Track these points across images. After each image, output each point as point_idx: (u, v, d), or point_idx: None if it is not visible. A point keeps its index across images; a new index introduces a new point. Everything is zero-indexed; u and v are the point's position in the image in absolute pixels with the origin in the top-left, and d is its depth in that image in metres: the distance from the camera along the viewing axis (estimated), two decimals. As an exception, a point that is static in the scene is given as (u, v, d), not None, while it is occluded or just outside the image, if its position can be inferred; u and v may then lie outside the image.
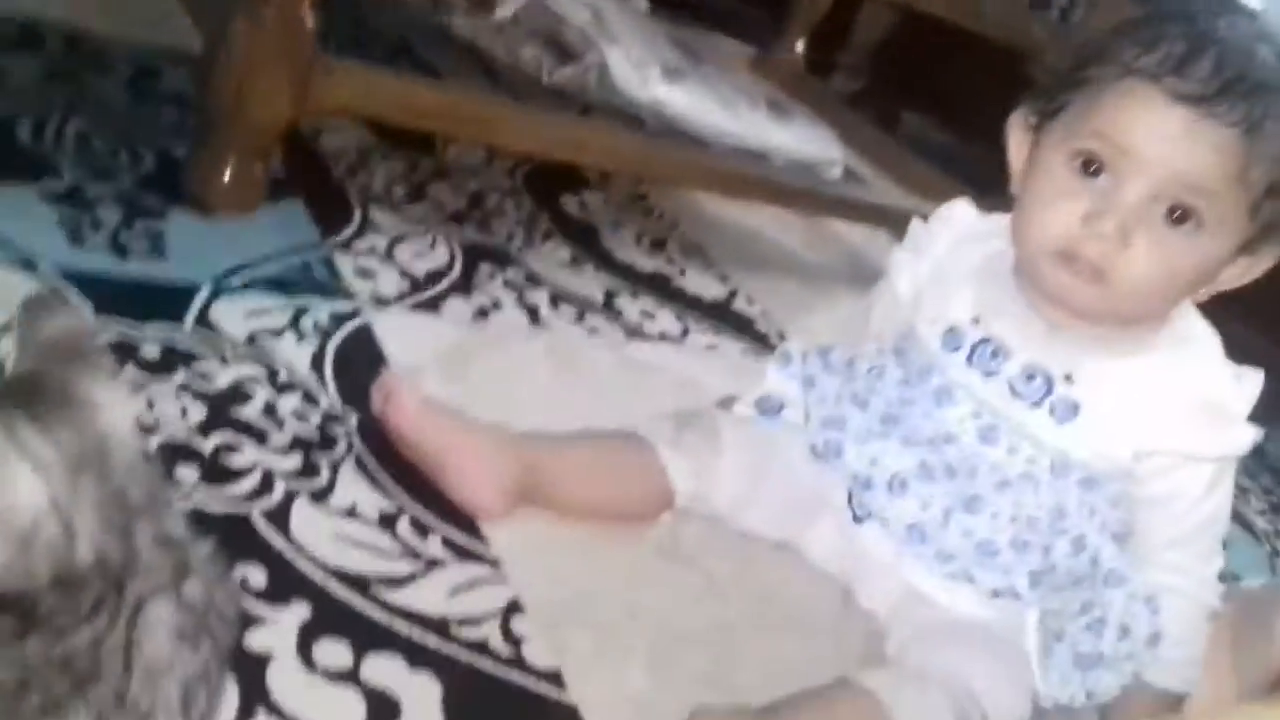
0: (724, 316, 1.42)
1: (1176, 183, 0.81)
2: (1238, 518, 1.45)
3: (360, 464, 0.89)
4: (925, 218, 1.02)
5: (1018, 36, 1.71)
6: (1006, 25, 1.74)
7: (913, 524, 0.93)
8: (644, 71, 1.47)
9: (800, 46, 2.15)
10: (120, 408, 0.52)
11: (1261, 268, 0.87)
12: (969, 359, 0.92)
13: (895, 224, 1.75)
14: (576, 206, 1.53)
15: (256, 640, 0.70)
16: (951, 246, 0.99)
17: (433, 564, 0.83)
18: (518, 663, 0.78)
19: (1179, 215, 0.82)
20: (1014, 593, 0.90)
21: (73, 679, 0.48)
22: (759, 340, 1.40)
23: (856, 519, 0.97)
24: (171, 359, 0.91)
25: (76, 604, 0.49)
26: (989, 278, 0.93)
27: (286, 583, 0.76)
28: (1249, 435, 0.85)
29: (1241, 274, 0.86)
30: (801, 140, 1.58)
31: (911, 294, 1.00)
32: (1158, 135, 0.81)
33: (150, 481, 0.53)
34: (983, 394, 0.92)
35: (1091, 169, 0.84)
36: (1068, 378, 0.89)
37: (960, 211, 1.01)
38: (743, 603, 0.95)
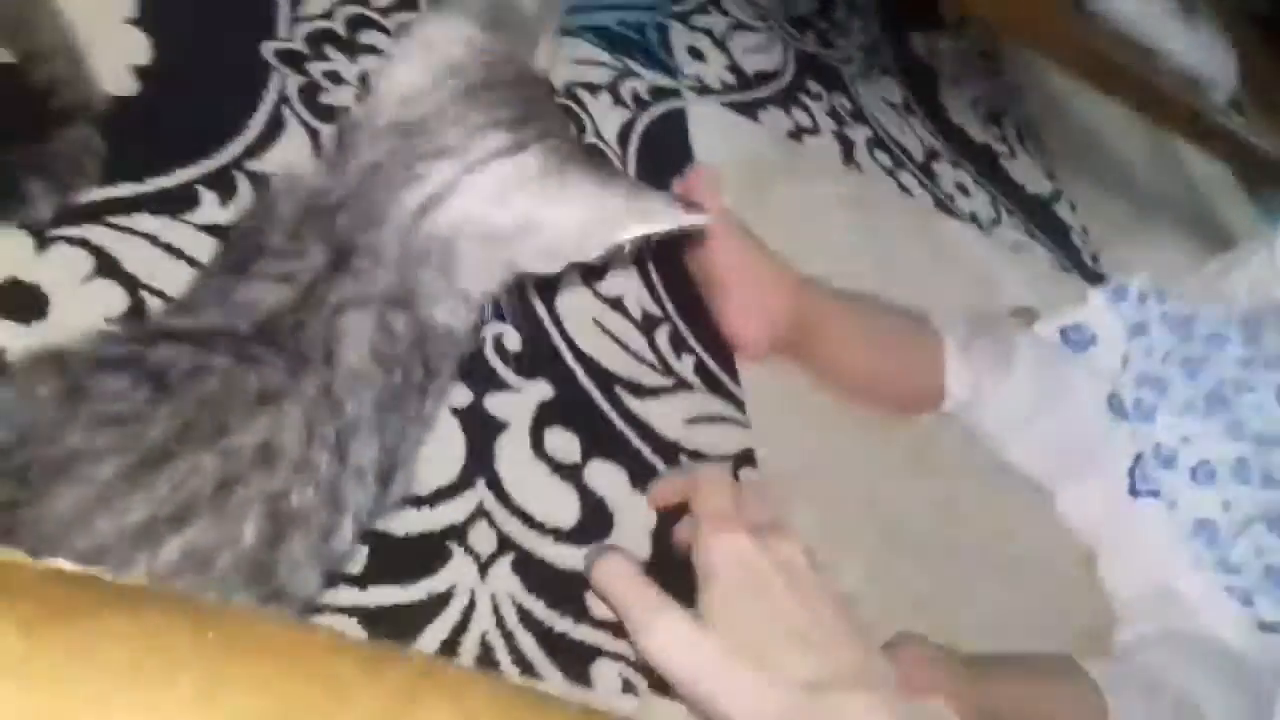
0: (1042, 217, 1.28)
1: None
2: None
3: (638, 257, 0.83)
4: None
5: None
6: None
7: (1205, 520, 0.82)
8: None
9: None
10: None
11: None
12: None
13: (1260, 174, 1.54)
14: (923, 46, 1.39)
15: (496, 405, 0.67)
16: None
17: (680, 385, 0.78)
18: (737, 517, 0.73)
19: None
20: (1291, 636, 0.79)
21: (283, 355, 0.44)
22: (1072, 254, 1.26)
23: (1134, 491, 0.86)
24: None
25: (300, 248, 0.47)
26: None
27: (538, 355, 0.72)
28: None
29: None
30: (1198, 50, 1.37)
31: None
32: None
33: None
34: None
35: None
36: None
37: None
38: (979, 533, 0.87)
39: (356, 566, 0.56)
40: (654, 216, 0.51)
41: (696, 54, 1.06)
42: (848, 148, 1.12)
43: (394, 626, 0.55)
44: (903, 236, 1.08)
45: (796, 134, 1.08)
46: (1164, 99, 1.38)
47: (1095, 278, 1.26)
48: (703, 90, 1.03)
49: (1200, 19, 1.41)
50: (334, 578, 0.52)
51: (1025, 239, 1.22)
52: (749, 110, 1.06)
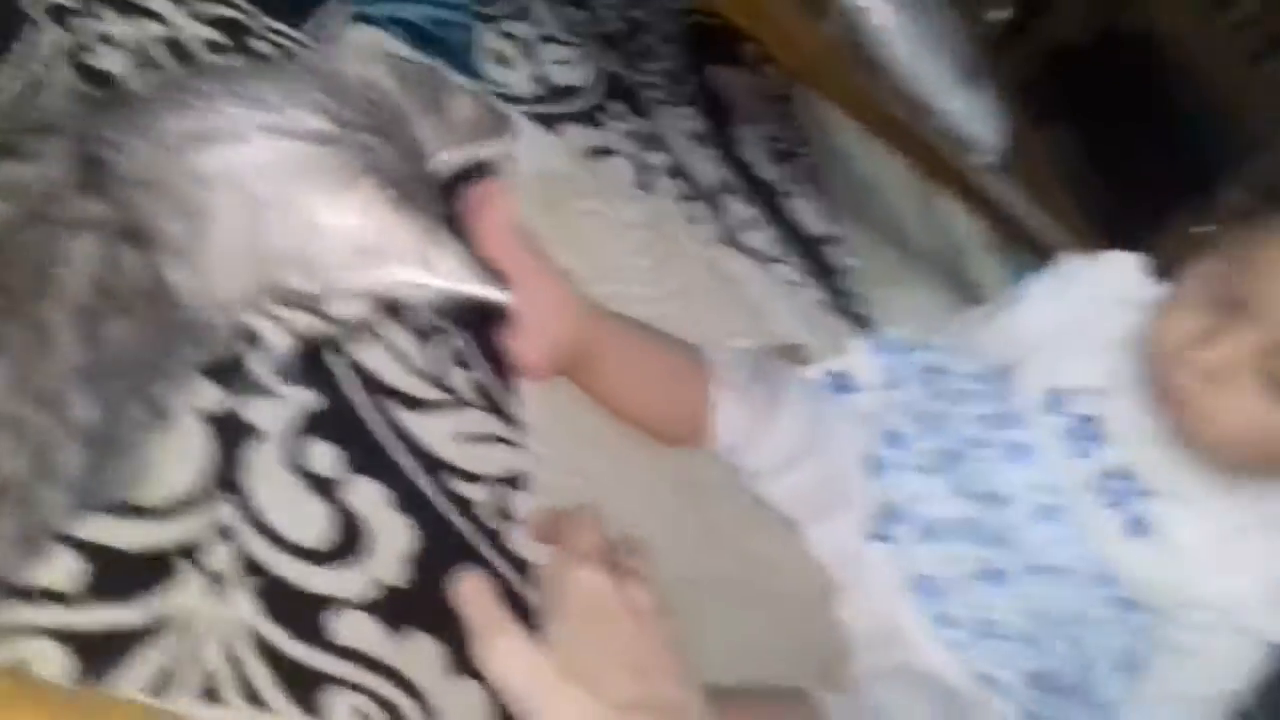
0: (818, 259, 1.32)
1: None
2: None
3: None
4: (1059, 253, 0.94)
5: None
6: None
7: (927, 576, 0.86)
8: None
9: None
10: None
11: None
12: (1066, 430, 0.85)
13: (1013, 237, 1.65)
14: (723, 81, 1.41)
15: (252, 411, 0.63)
16: (1102, 303, 0.90)
17: (458, 401, 0.76)
18: (498, 542, 0.72)
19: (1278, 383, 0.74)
20: (1001, 687, 0.84)
21: None
22: (843, 297, 1.31)
23: (872, 538, 0.90)
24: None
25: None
26: (1127, 356, 0.84)
27: (304, 359, 0.68)
28: None
29: None
30: (974, 115, 1.46)
31: (1036, 332, 0.92)
32: None
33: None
34: (1062, 471, 0.84)
35: (1226, 299, 0.76)
36: (1156, 495, 0.81)
37: (1125, 268, 0.91)
38: (734, 565, 0.89)
39: (67, 582, 0.51)
40: (442, 272, 0.48)
41: (503, 60, 1.04)
42: (644, 172, 1.13)
43: (105, 652, 0.51)
44: (690, 266, 1.09)
45: (595, 153, 1.08)
46: (938, 157, 1.47)
47: (862, 320, 1.32)
48: (506, 98, 1.01)
49: (981, 86, 1.50)
50: (39, 556, 0.47)
51: (802, 278, 1.26)
52: (551, 123, 1.05)
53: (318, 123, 0.46)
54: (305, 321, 0.55)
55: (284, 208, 0.45)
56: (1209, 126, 1.77)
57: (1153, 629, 0.84)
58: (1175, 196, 1.59)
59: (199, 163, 0.45)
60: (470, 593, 0.60)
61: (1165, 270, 0.94)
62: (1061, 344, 0.89)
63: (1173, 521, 0.81)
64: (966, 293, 1.66)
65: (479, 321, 0.81)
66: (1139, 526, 0.82)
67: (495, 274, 0.49)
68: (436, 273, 0.47)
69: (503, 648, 0.58)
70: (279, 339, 0.66)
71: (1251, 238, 0.76)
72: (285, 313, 0.49)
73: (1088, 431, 0.84)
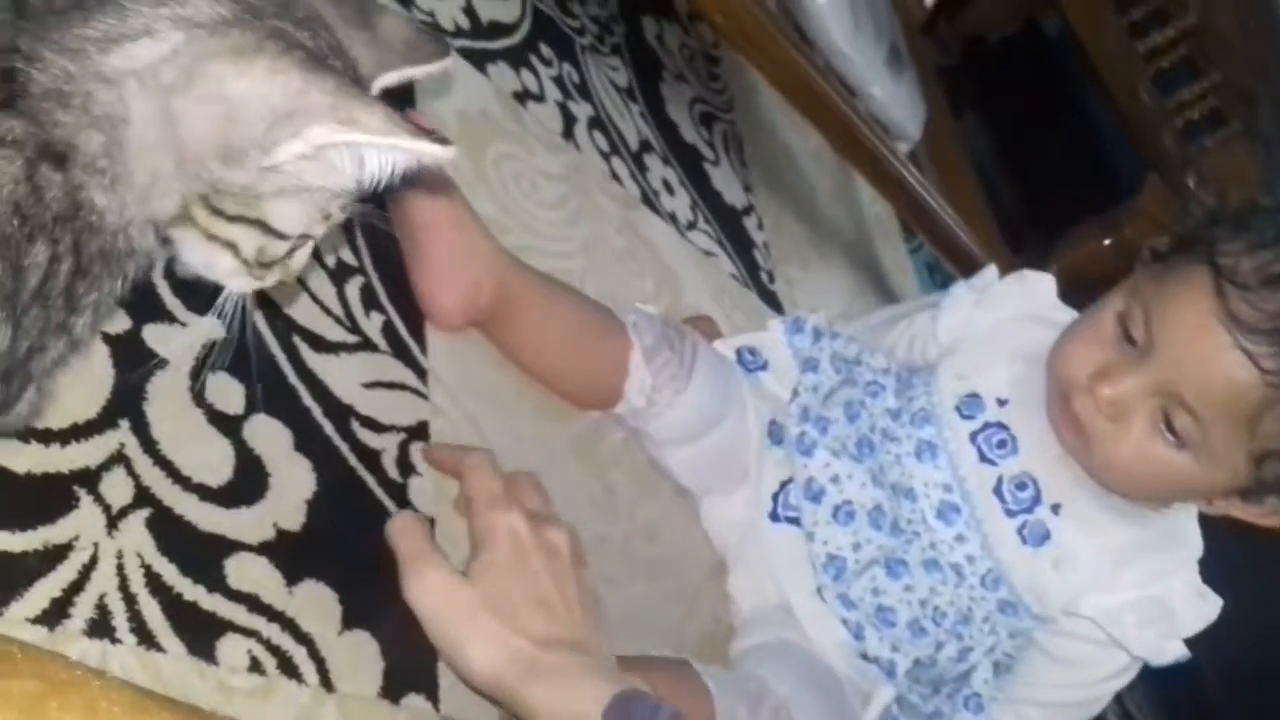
0: (732, 229, 1.33)
1: (1178, 393, 0.76)
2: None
3: (342, 198, 0.77)
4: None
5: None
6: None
7: (836, 555, 0.88)
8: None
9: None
10: None
11: None
12: (975, 434, 0.87)
13: (919, 224, 1.68)
14: (654, 35, 1.40)
15: (156, 338, 0.60)
16: (1017, 317, 0.92)
17: (364, 344, 0.74)
18: (400, 494, 0.70)
19: (1168, 424, 0.77)
20: (889, 669, 0.87)
21: None
22: (753, 269, 1.31)
23: (774, 516, 0.91)
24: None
25: None
26: (1037, 372, 0.87)
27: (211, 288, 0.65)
28: (1177, 652, 0.83)
29: (1267, 515, 0.82)
30: (896, 100, 1.48)
31: (952, 337, 0.94)
32: (1185, 338, 0.75)
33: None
34: (967, 473, 0.86)
35: (1130, 334, 0.79)
36: (1055, 507, 0.84)
37: (1043, 287, 0.94)
38: (626, 530, 0.89)
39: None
40: (361, 126, 0.44)
41: (433, -10, 1.01)
42: (569, 122, 1.11)
43: (-1, 582, 0.48)
44: (607, 223, 1.08)
45: (522, 96, 1.06)
46: (857, 138, 1.48)
47: (768, 295, 1.33)
48: (434, 29, 0.98)
49: (905, 73, 1.51)
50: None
51: (715, 247, 1.26)
52: (478, 61, 1.02)
53: (225, 9, 0.44)
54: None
55: (192, 90, 0.42)
56: (1116, 144, 1.83)
57: (1030, 632, 0.88)
58: (1079, 204, 1.64)
59: (109, 64, 0.42)
60: (402, 526, 0.65)
61: (1066, 282, 0.97)
62: (978, 352, 0.91)
63: (1068, 535, 0.84)
64: (871, 275, 1.69)
65: (391, 262, 0.78)
66: (1036, 535, 0.84)
67: (430, 133, 0.46)
68: (362, 128, 0.43)
69: (429, 580, 0.63)
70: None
71: (1162, 289, 0.78)
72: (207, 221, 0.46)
73: (997, 439, 0.86)
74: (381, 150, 0.44)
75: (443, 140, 0.46)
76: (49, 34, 0.41)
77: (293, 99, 0.43)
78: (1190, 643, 0.83)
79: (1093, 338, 0.81)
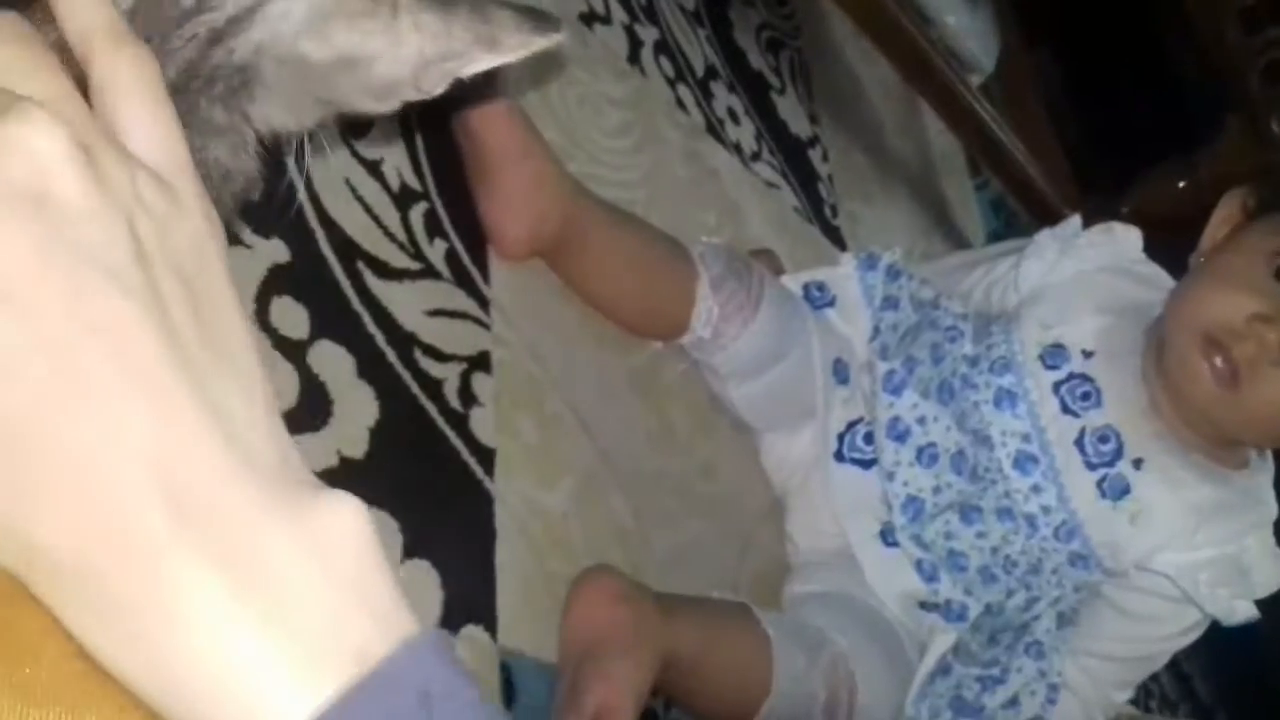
0: (797, 161, 1.29)
1: None
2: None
3: (404, 124, 0.76)
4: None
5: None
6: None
7: (916, 497, 0.86)
8: None
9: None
10: None
11: None
12: (1059, 385, 0.84)
13: (988, 162, 1.63)
14: (722, -43, 1.35)
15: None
16: (1103, 268, 0.89)
17: (427, 271, 0.72)
18: (461, 424, 0.69)
19: None
20: (960, 612, 0.85)
21: None
22: (816, 202, 1.28)
23: (840, 456, 0.90)
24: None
25: None
26: (1125, 324, 0.84)
27: (277, 208, 0.64)
28: (1247, 612, 0.81)
29: None
30: (970, 31, 1.43)
31: (1035, 285, 0.91)
32: None
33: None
34: (1049, 424, 0.84)
35: None
36: (1137, 462, 0.82)
37: (1131, 240, 0.91)
38: (685, 467, 0.88)
39: None
40: (504, 45, 0.44)
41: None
42: (635, 46, 1.08)
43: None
44: (671, 152, 1.05)
45: (588, 18, 1.03)
46: (928, 69, 1.43)
47: (830, 230, 1.30)
48: (502, -53, 0.95)
49: (980, 3, 1.46)
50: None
51: (779, 180, 1.23)
52: (545, -19, 0.99)
53: None
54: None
55: (334, 58, 0.41)
56: (1195, 85, 1.75)
57: (1097, 586, 0.86)
58: (1151, 145, 1.58)
59: (227, 56, 0.41)
60: None
61: (1137, 224, 0.93)
62: (1064, 302, 0.88)
63: (1149, 490, 0.82)
64: (936, 212, 1.65)
65: (456, 188, 0.77)
66: (1115, 489, 0.82)
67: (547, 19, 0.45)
68: (506, 48, 0.43)
69: None
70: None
71: None
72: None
73: (1081, 390, 0.84)
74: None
75: (556, 25, 0.45)
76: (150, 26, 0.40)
77: (442, 41, 0.42)
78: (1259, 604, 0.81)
79: (1243, 282, 0.78)
